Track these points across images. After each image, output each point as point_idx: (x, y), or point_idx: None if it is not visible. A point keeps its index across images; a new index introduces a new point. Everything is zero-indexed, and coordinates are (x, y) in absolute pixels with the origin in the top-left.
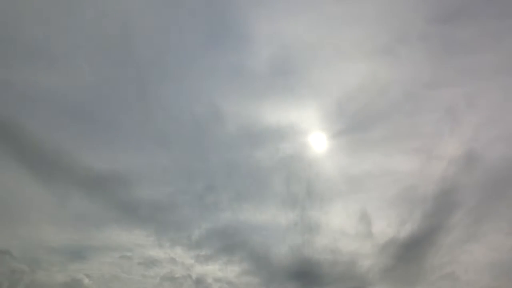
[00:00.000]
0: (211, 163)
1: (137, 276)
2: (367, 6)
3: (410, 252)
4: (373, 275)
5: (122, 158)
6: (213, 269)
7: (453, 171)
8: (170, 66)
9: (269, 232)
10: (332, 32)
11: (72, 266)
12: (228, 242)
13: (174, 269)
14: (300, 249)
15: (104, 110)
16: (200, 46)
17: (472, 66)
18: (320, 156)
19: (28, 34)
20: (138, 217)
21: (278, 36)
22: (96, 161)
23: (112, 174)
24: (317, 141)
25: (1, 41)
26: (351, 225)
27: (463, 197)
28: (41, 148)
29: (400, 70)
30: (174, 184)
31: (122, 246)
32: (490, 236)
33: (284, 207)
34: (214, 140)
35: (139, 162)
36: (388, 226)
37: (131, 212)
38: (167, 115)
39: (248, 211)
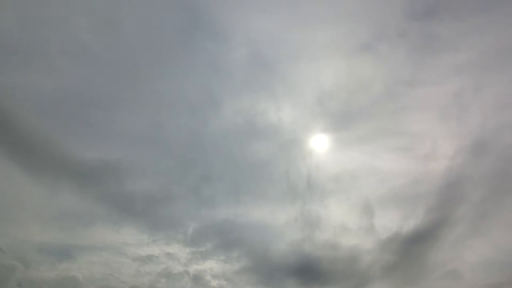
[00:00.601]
0: (206, 153)
1: (131, 272)
2: (345, 3)
3: (412, 248)
4: (374, 272)
5: (113, 148)
6: (210, 266)
7: (454, 166)
8: (162, 58)
9: (267, 228)
10: (311, 29)
11: (64, 263)
12: (225, 238)
13: (170, 266)
14: (299, 245)
15: (94, 99)
16: (181, 41)
17: (454, 62)
18: (309, 153)
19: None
20: (131, 212)
21: (257, 34)
22: (86, 152)
23: (103, 165)
24: (305, 138)
25: None
26: (353, 221)
27: (465, 192)
28: (30, 140)
29: (380, 67)
30: (168, 175)
31: (115, 243)
32: (495, 231)
33: (283, 201)
34: (210, 129)
35: (131, 152)
36: (391, 221)
37: (123, 207)
38: (160, 103)
39: (246, 205)
